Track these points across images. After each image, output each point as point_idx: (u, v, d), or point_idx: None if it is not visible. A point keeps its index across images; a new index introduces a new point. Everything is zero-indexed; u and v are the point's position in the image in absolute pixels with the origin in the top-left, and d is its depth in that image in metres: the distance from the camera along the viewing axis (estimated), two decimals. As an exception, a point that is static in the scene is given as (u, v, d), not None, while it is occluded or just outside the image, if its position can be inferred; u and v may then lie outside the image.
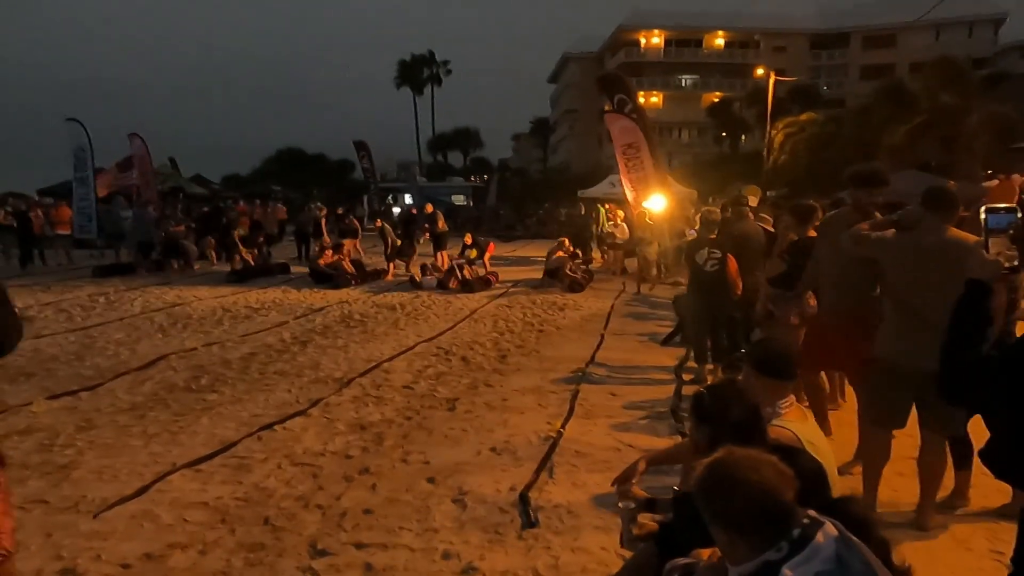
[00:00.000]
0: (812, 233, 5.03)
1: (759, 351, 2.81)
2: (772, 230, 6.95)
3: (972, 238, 3.11)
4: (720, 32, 60.14)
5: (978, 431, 1.85)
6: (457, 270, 12.80)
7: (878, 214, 4.04)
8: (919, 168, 21.12)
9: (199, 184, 32.99)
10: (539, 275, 13.37)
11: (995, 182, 11.14)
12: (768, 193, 21.19)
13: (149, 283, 13.08)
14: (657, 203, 13.46)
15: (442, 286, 12.58)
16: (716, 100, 52.71)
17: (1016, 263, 1.71)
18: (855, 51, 58.27)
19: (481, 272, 13.35)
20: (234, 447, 4.64)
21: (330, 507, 3.77)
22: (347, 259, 13.75)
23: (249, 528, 3.53)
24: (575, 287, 12.44)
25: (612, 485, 2.64)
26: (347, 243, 14.23)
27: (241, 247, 14.75)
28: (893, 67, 50.07)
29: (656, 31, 60.12)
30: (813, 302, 4.89)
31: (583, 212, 18.49)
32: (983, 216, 1.77)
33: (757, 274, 6.29)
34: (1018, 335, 2.07)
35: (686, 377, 6.48)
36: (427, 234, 15.45)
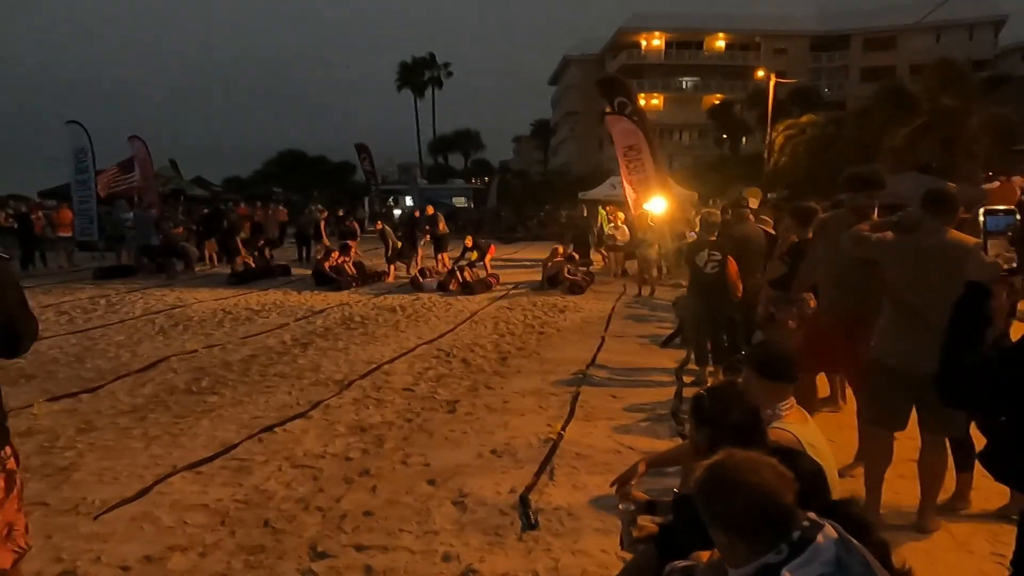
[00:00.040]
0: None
1: (759, 353, 2.81)
2: (773, 232, 6.96)
3: (972, 240, 3.11)
4: (720, 34, 60.19)
5: (979, 433, 1.85)
6: (458, 272, 12.80)
7: (875, 216, 4.05)
8: (919, 170, 21.12)
9: (200, 186, 33.06)
10: (540, 276, 13.37)
11: (996, 184, 11.14)
12: (769, 195, 21.18)
13: (150, 285, 13.09)
14: (658, 205, 13.47)
15: (443, 288, 12.59)
16: (717, 102, 52.75)
17: (1015, 265, 1.71)
18: (855, 53, 58.31)
19: (482, 274, 13.35)
20: (234, 449, 4.65)
21: (330, 509, 3.77)
22: (348, 260, 13.77)
23: (249, 530, 3.53)
24: (575, 289, 12.44)
25: (611, 487, 2.64)
26: (344, 244, 14.24)
27: (242, 250, 14.77)
28: (893, 69, 50.07)
29: (657, 33, 60.17)
30: (813, 303, 4.89)
31: (585, 214, 18.46)
32: (982, 218, 1.77)
33: (757, 276, 6.30)
34: (1014, 336, 2.07)
35: (687, 379, 6.48)
36: (427, 236, 15.46)
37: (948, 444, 3.63)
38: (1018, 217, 1.76)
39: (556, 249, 13.64)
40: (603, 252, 16.57)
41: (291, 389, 6.16)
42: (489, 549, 3.35)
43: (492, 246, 15.18)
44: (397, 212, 32.56)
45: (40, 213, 17.82)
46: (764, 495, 1.44)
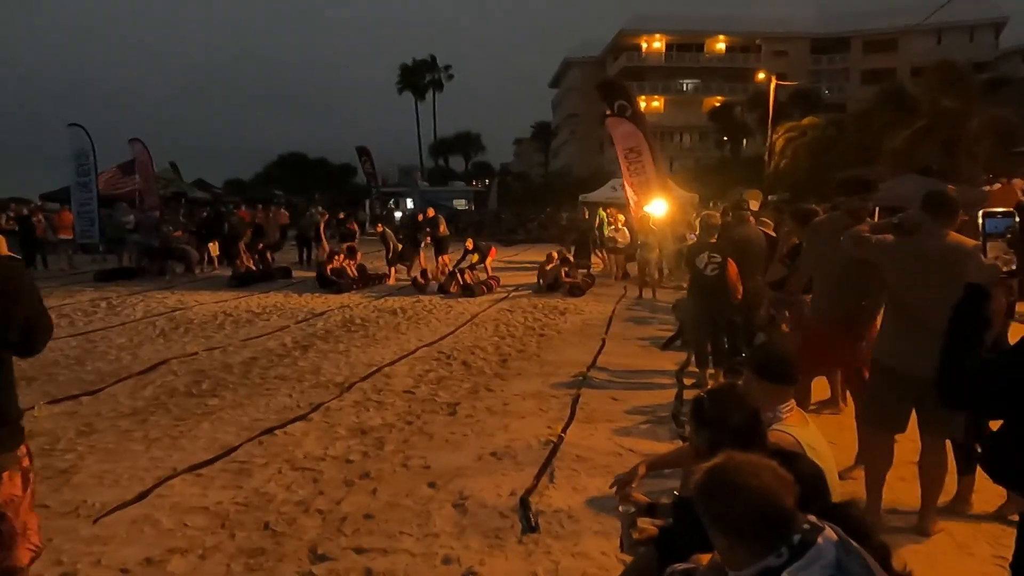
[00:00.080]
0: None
1: (760, 355, 2.81)
2: (773, 234, 6.95)
3: (971, 242, 3.11)
4: (721, 36, 60.26)
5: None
6: (458, 274, 12.81)
7: (876, 217, 4.07)
8: (920, 172, 21.14)
9: (201, 189, 33.09)
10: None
11: (997, 186, 11.14)
12: (770, 197, 21.21)
13: (151, 288, 13.09)
14: (658, 207, 13.47)
15: (443, 290, 12.59)
16: (717, 104, 52.79)
17: (1014, 267, 1.71)
18: (856, 55, 58.35)
19: (482, 276, 13.35)
20: (235, 452, 4.64)
21: (330, 512, 3.77)
22: (353, 264, 13.78)
23: (249, 533, 3.53)
24: (575, 291, 12.45)
25: (612, 488, 2.64)
26: (346, 246, 14.25)
27: (243, 254, 14.78)
28: (894, 71, 50.11)
29: (657, 35, 60.24)
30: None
31: (586, 216, 18.46)
32: (981, 220, 1.77)
33: (758, 278, 6.30)
34: (1012, 338, 2.07)
35: (687, 381, 6.47)
36: (428, 238, 15.47)
37: (951, 446, 3.64)
38: (1017, 219, 1.76)
39: (551, 254, 13.65)
40: (603, 254, 16.58)
41: (291, 391, 6.16)
42: (489, 552, 3.35)
43: (493, 248, 15.20)
44: (398, 215, 32.59)
45: (41, 216, 17.85)
46: (764, 498, 1.44)
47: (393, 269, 14.78)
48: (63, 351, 7.65)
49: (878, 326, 3.86)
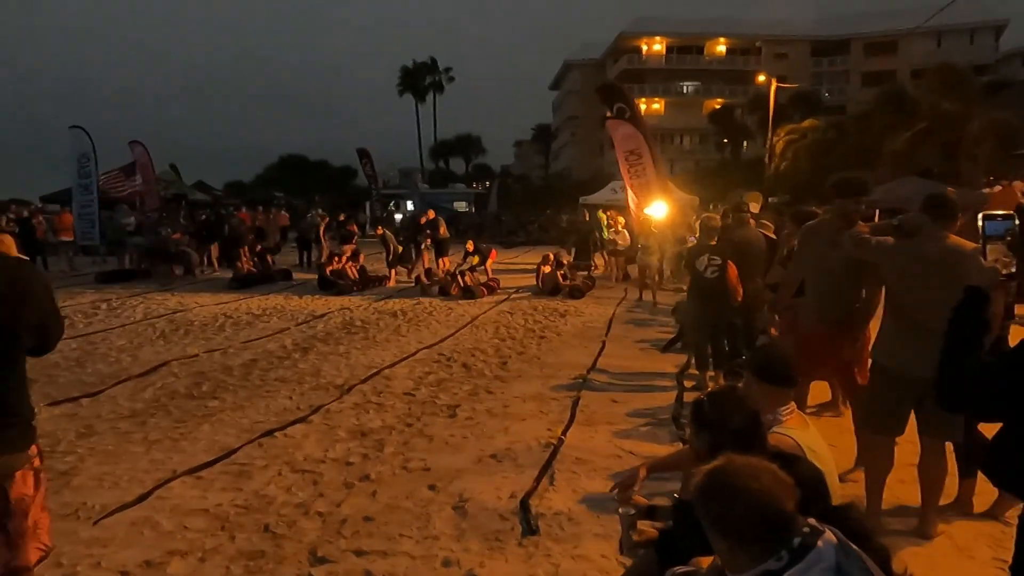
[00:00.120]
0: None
1: (760, 358, 2.81)
2: (773, 236, 6.95)
3: (971, 245, 3.11)
4: (721, 39, 60.31)
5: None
6: (459, 276, 12.82)
7: (861, 222, 4.08)
8: (920, 174, 21.17)
9: (201, 191, 33.15)
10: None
11: (997, 188, 11.14)
12: (770, 199, 21.22)
13: (151, 289, 13.10)
14: (659, 209, 13.47)
15: (444, 293, 12.60)
16: (718, 107, 52.82)
17: (1013, 270, 1.71)
18: (856, 58, 58.39)
19: (483, 279, 13.36)
20: (235, 454, 4.64)
21: (330, 514, 3.77)
22: (353, 266, 13.79)
23: (249, 535, 3.53)
24: (576, 293, 12.45)
25: (611, 491, 2.64)
26: (348, 248, 14.25)
27: (244, 257, 14.78)
28: (894, 74, 50.17)
29: (657, 38, 60.29)
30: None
31: (587, 218, 18.47)
32: (980, 223, 1.77)
33: (758, 281, 6.30)
34: (1012, 340, 2.06)
35: (687, 384, 6.47)
36: (428, 240, 15.48)
37: (953, 448, 3.64)
38: (1016, 222, 1.76)
39: (547, 256, 13.65)
40: (604, 256, 16.57)
41: (292, 394, 6.16)
42: (489, 554, 3.35)
43: (493, 250, 15.21)
44: (398, 217, 32.59)
45: (41, 217, 17.85)
46: (764, 501, 1.44)
47: (393, 271, 14.78)
48: (63, 353, 7.65)
49: (872, 326, 3.87)
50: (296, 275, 15.34)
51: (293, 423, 5.29)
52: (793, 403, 2.58)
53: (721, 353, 6.51)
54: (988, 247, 1.76)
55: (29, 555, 2.18)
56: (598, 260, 16.70)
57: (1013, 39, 52.83)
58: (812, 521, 1.50)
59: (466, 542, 3.46)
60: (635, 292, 12.67)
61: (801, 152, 31.97)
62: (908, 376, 3.34)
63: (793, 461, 1.97)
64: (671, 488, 3.15)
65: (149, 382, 6.52)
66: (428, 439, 4.99)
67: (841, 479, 3.02)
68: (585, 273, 14.36)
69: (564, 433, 5.07)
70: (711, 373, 6.45)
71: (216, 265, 16.64)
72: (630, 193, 14.25)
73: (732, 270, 6.22)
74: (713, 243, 6.44)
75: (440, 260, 15.10)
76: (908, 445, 3.77)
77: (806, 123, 34.18)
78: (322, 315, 10.42)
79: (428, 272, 13.66)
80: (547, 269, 13.10)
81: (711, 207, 19.28)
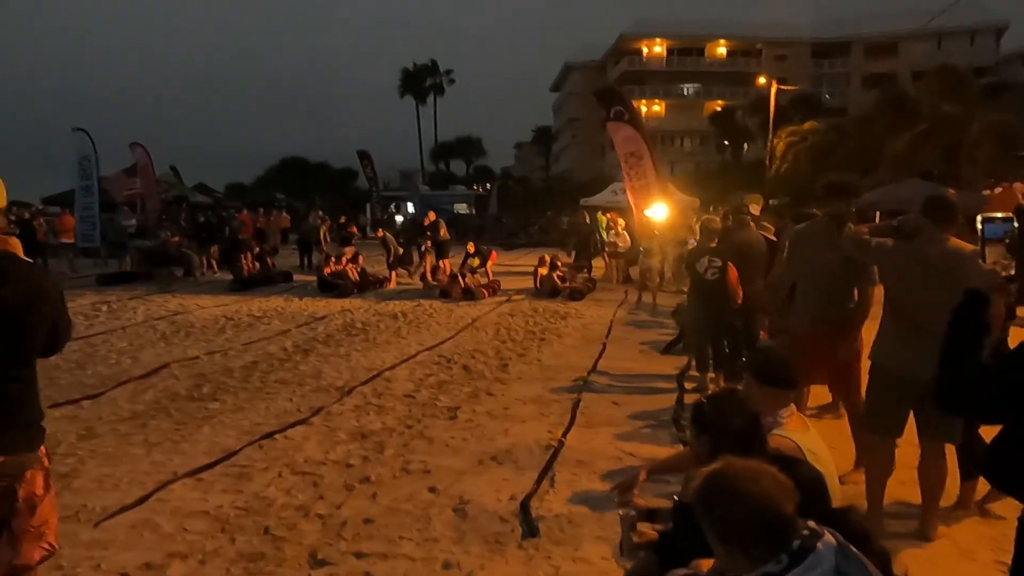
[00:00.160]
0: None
1: (760, 360, 2.81)
2: (774, 238, 6.95)
3: (970, 247, 3.11)
4: (722, 41, 60.35)
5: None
6: (460, 278, 12.82)
7: (851, 224, 4.09)
8: (921, 176, 21.16)
9: (202, 192, 33.22)
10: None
11: (998, 190, 11.14)
12: (771, 201, 21.22)
13: (152, 292, 13.11)
14: (659, 212, 13.47)
15: (444, 294, 12.60)
16: (718, 109, 52.84)
17: (1012, 272, 1.71)
18: (857, 60, 58.42)
19: (483, 280, 13.36)
20: (235, 456, 4.64)
21: (330, 516, 3.77)
22: (355, 268, 13.79)
23: (249, 537, 3.52)
24: (576, 295, 12.45)
25: (611, 492, 2.64)
26: (348, 251, 14.26)
27: (244, 259, 14.79)
28: (895, 76, 50.17)
29: (658, 40, 60.35)
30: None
31: (587, 220, 18.47)
32: (979, 225, 1.77)
33: (758, 283, 6.29)
34: (1012, 342, 2.06)
35: (688, 386, 6.47)
36: (429, 242, 15.49)
37: (955, 451, 3.64)
38: (1015, 224, 1.76)
39: (543, 258, 13.65)
40: (605, 258, 16.57)
41: (292, 396, 6.16)
42: (490, 557, 3.34)
43: (494, 252, 15.19)
44: (399, 219, 32.61)
45: (42, 219, 17.87)
46: (764, 504, 1.44)
47: (394, 273, 14.79)
48: (64, 355, 7.62)
49: (870, 328, 3.88)
50: (297, 277, 15.34)
51: (293, 425, 5.29)
52: (793, 405, 2.58)
53: (721, 355, 6.50)
54: (987, 249, 1.76)
55: (33, 554, 2.18)
56: (598, 262, 16.69)
57: (1014, 41, 52.87)
58: (812, 524, 1.50)
59: (466, 544, 3.46)
60: (635, 294, 12.67)
61: (802, 154, 31.97)
62: (908, 376, 3.34)
63: (793, 463, 1.97)
64: (672, 490, 3.15)
65: (150, 384, 6.52)
66: (428, 441, 4.99)
67: (841, 481, 3.02)
68: (586, 275, 14.36)
69: (564, 435, 5.07)
70: (711, 375, 6.45)
71: (216, 267, 16.64)
72: (631, 195, 14.26)
73: (732, 272, 6.22)
74: (713, 245, 6.44)
75: (441, 262, 15.10)
76: (909, 447, 3.77)
77: (807, 125, 34.18)
78: (323, 317, 10.42)
79: (435, 270, 13.68)
80: (543, 272, 13.10)
81: (711, 209, 19.29)
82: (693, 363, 6.84)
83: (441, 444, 4.93)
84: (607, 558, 3.26)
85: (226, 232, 17.41)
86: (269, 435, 5.05)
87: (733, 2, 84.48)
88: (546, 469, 4.41)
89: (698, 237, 7.42)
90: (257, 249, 15.85)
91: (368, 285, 13.71)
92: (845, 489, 3.22)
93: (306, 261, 18.00)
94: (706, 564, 2.07)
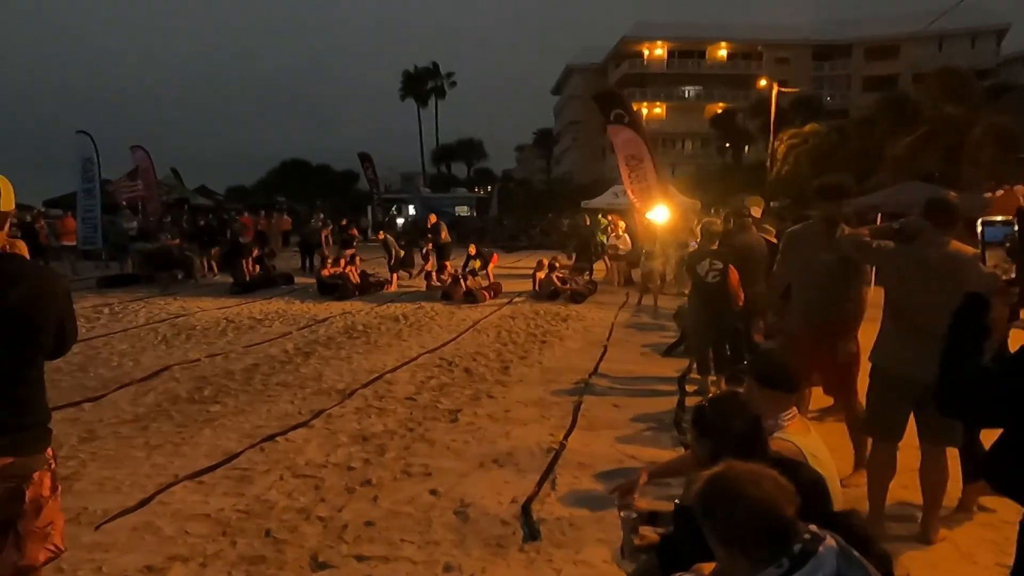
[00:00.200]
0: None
1: (761, 363, 2.81)
2: (775, 241, 6.94)
3: (971, 250, 3.11)
4: (722, 43, 60.39)
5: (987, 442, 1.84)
6: (461, 281, 12.83)
7: (844, 226, 4.09)
8: (922, 179, 21.12)
9: (203, 195, 33.25)
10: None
11: (999, 192, 11.14)
12: (772, 204, 21.21)
13: (153, 294, 13.12)
14: (660, 214, 13.47)
15: (446, 297, 12.60)
16: (719, 111, 52.87)
17: (1013, 275, 1.71)
18: (858, 62, 58.45)
19: (484, 283, 13.36)
20: (236, 458, 4.64)
21: (331, 519, 3.77)
22: (354, 269, 13.80)
23: (250, 540, 3.52)
24: (577, 298, 12.44)
25: (611, 493, 2.64)
26: (349, 252, 14.28)
27: (245, 262, 14.80)
28: (896, 78, 50.22)
29: (659, 42, 60.40)
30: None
31: (588, 223, 18.48)
32: (980, 228, 1.78)
33: (759, 285, 6.28)
34: (1012, 346, 2.06)
35: (689, 388, 6.47)
36: (430, 245, 15.50)
37: (957, 453, 3.63)
38: (1015, 227, 1.76)
39: (541, 261, 13.65)
40: (606, 261, 16.58)
41: (293, 398, 6.16)
42: (491, 560, 3.34)
43: (495, 255, 15.21)
44: (400, 221, 32.63)
45: (43, 222, 17.89)
46: (765, 507, 1.44)
47: (395, 276, 14.80)
48: (65, 357, 7.63)
49: (863, 329, 3.88)
50: (298, 279, 15.35)
51: (295, 428, 5.30)
52: (795, 408, 2.58)
53: (723, 358, 6.50)
54: (987, 253, 1.76)
55: (38, 555, 2.19)
56: (599, 264, 16.69)
57: (1014, 43, 52.90)
58: (813, 527, 1.50)
59: (467, 547, 3.46)
60: (637, 297, 12.66)
61: (803, 156, 31.96)
62: (908, 378, 3.34)
63: (794, 467, 1.97)
64: (673, 493, 3.15)
65: (151, 387, 6.52)
66: (430, 444, 4.99)
67: (842, 484, 3.02)
68: (587, 277, 14.36)
69: (566, 438, 5.07)
70: (713, 378, 6.45)
71: (216, 269, 16.65)
72: (632, 198, 14.26)
73: (733, 275, 6.22)
74: (715, 248, 6.44)
75: (441, 264, 15.11)
76: (910, 450, 3.76)
77: (808, 127, 34.16)
78: (324, 319, 10.43)
79: (442, 268, 13.70)
80: (541, 275, 13.10)
81: (712, 211, 19.29)
82: (694, 366, 6.84)
83: (442, 447, 4.93)
84: (608, 561, 3.26)
85: (227, 235, 17.41)
86: (270, 438, 5.05)
87: (734, 4, 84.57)
88: (547, 472, 4.41)
89: (699, 240, 7.41)
90: (256, 251, 15.86)
91: (369, 287, 13.72)
92: (846, 492, 3.22)
93: (308, 264, 18.02)
94: (707, 568, 2.07)
